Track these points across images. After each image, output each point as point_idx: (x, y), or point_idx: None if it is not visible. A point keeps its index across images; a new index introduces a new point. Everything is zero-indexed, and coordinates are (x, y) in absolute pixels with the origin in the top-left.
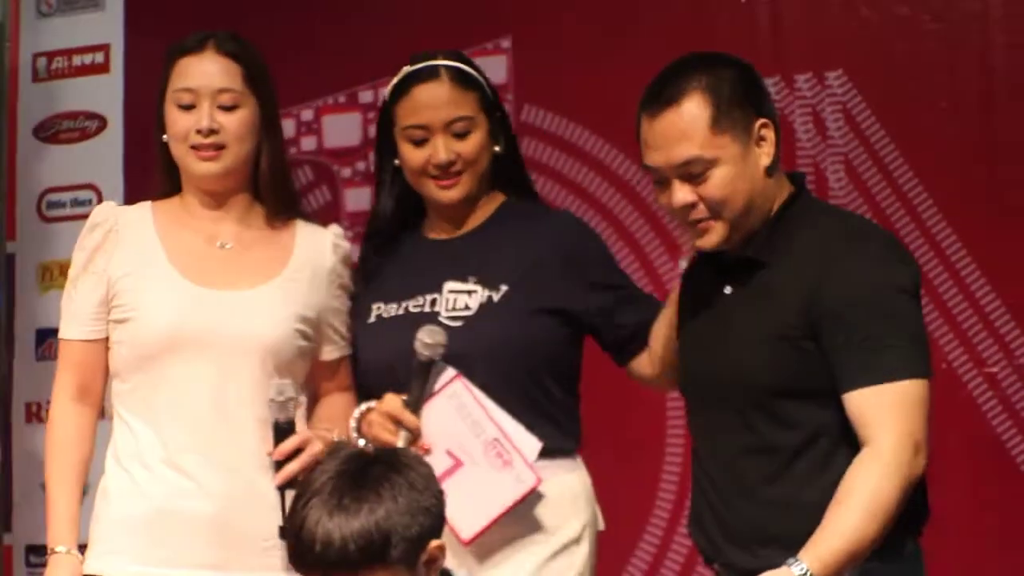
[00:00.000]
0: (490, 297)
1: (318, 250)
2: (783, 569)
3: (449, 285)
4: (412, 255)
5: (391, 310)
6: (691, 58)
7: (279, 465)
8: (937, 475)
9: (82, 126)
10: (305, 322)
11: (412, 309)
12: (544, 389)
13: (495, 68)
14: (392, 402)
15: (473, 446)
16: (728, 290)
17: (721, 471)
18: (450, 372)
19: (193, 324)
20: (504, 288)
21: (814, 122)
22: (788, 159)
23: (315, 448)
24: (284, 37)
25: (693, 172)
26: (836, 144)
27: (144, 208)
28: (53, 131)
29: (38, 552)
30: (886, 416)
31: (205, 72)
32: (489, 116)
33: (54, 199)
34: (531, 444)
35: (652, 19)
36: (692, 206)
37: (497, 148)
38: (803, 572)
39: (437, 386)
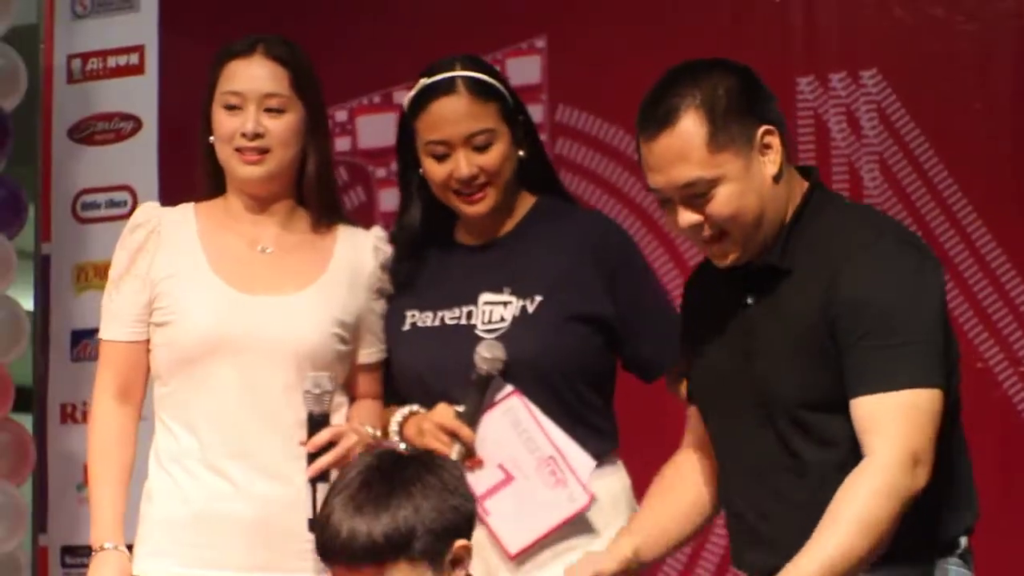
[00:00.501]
0: (524, 308)
1: (359, 253)
2: None
3: (484, 297)
4: (445, 262)
5: (426, 319)
6: (683, 71)
7: (312, 458)
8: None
9: (117, 127)
10: (343, 327)
11: (448, 321)
12: (581, 396)
13: (529, 68)
14: (446, 414)
15: (526, 462)
16: (750, 300)
17: (753, 487)
18: (507, 388)
19: (232, 329)
20: (538, 298)
21: (848, 121)
22: (823, 158)
23: (349, 441)
24: (318, 38)
25: (696, 193)
26: (871, 143)
27: (187, 210)
28: (88, 132)
29: (73, 553)
30: (888, 426)
31: (253, 76)
32: (511, 124)
33: (89, 200)
34: (586, 463)
35: (685, 18)
36: (700, 226)
37: (521, 153)
38: None
39: (493, 400)
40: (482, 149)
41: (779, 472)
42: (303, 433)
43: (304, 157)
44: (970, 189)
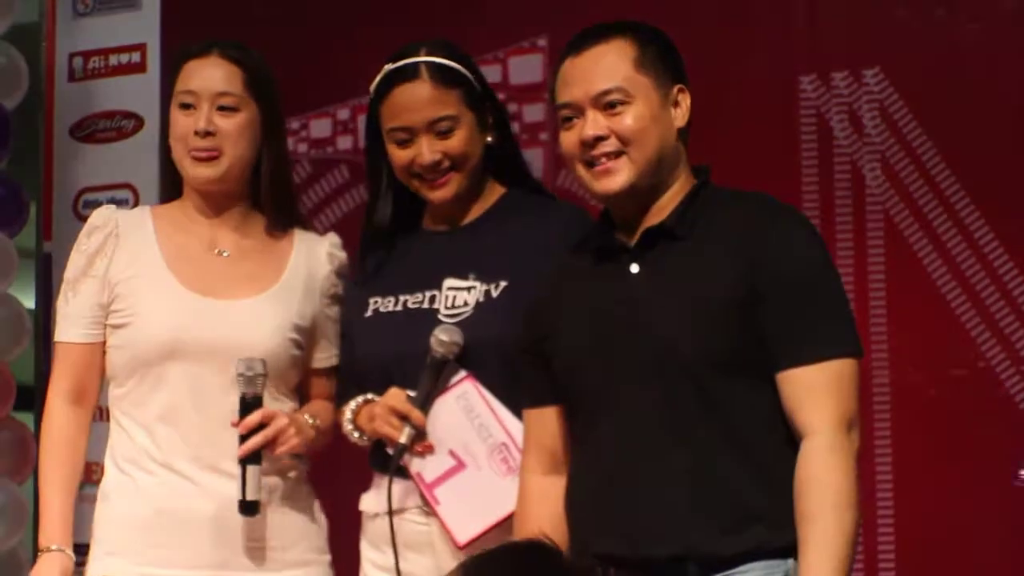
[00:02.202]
0: (488, 292)
1: (314, 259)
2: None
3: (449, 283)
4: (411, 248)
5: (388, 304)
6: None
7: (243, 439)
8: (975, 471)
9: (119, 125)
10: (299, 331)
11: (411, 305)
12: None
13: (531, 67)
14: (397, 397)
15: (478, 449)
16: (635, 268)
17: (630, 459)
18: (461, 372)
19: (190, 333)
20: (503, 284)
21: (851, 120)
22: (825, 156)
23: (280, 423)
24: (319, 37)
25: (611, 101)
26: (873, 142)
27: (144, 212)
28: (89, 131)
29: (75, 551)
30: (821, 399)
31: (207, 75)
32: (475, 110)
33: (91, 199)
34: None
35: (688, 18)
36: (603, 139)
37: (489, 139)
38: None
39: (446, 385)
40: (444, 135)
41: (663, 439)
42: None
43: (259, 159)
44: (972, 188)
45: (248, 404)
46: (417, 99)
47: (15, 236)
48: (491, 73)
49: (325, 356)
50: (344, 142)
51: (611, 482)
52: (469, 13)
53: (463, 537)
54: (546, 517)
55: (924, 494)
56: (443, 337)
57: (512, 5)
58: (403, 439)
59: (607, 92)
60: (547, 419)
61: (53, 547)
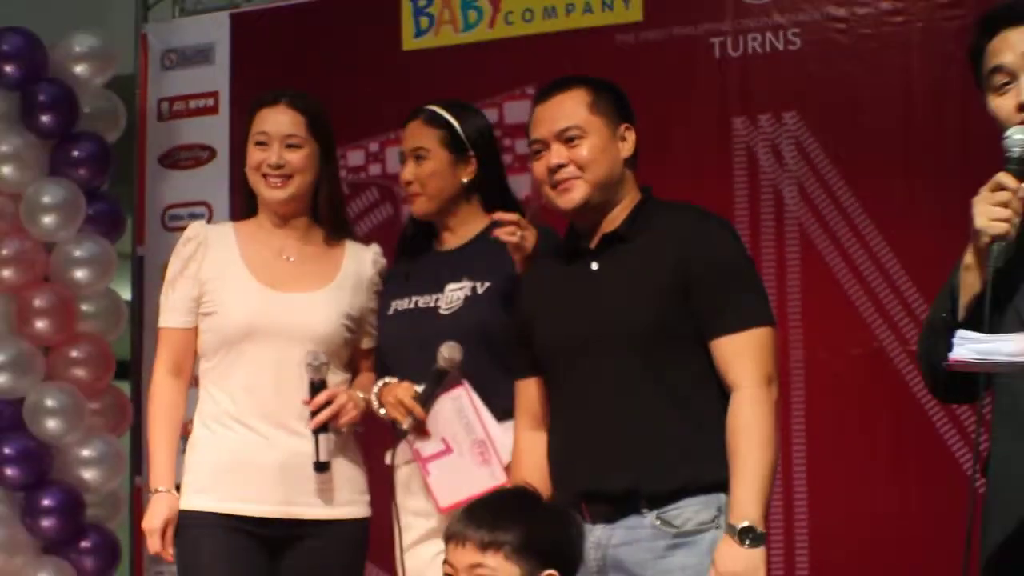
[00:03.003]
0: (475, 288)
1: (362, 264)
2: (733, 547)
3: (449, 286)
4: (426, 263)
5: (403, 304)
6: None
7: (313, 414)
8: (873, 429)
9: (196, 155)
10: (350, 319)
11: (421, 305)
12: None
13: (522, 109)
14: (407, 391)
15: (463, 441)
16: (595, 266)
17: (595, 415)
18: (460, 382)
19: (264, 318)
20: (487, 284)
21: (773, 152)
22: (753, 181)
23: (341, 400)
24: (356, 88)
25: (570, 136)
26: (790, 170)
27: (227, 226)
28: (174, 160)
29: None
30: (746, 359)
31: (277, 120)
32: (452, 151)
33: (174, 213)
34: (508, 451)
35: (644, 72)
36: (563, 167)
37: (464, 179)
38: (753, 535)
39: (446, 389)
40: (418, 160)
41: (617, 397)
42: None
43: (318, 185)
44: (868, 205)
45: (316, 387)
46: (411, 132)
47: (115, 242)
48: (490, 115)
49: (369, 339)
50: (374, 169)
51: (578, 433)
52: (474, 67)
53: (444, 503)
54: (534, 465)
55: (831, 448)
56: (446, 354)
57: (508, 62)
58: (405, 425)
59: (567, 129)
60: (531, 388)
61: (162, 488)
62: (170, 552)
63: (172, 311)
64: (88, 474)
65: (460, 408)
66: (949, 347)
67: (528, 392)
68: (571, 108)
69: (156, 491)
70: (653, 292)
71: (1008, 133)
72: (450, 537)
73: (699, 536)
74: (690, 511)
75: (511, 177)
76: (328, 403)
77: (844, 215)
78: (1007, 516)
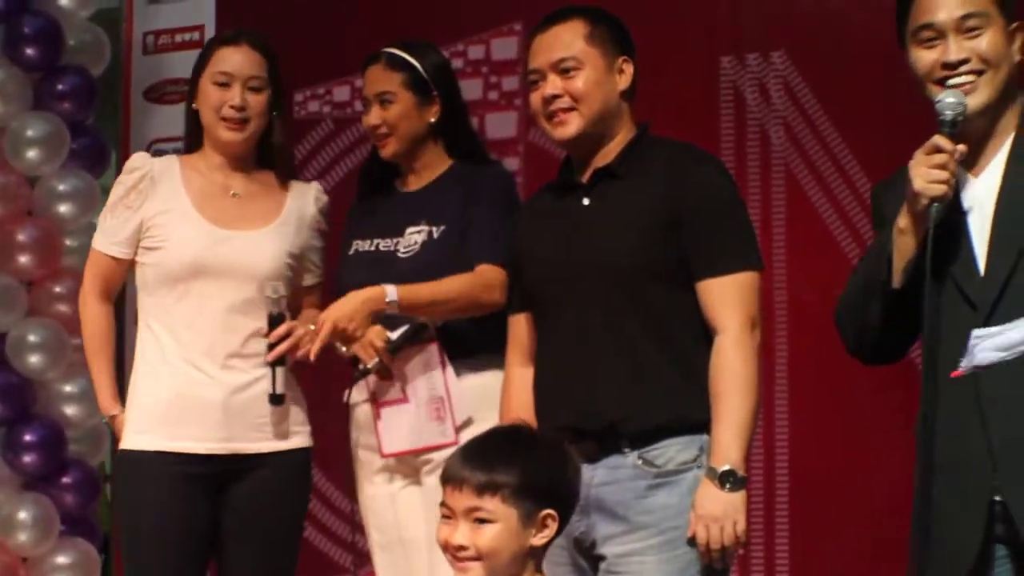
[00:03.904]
0: (431, 233)
1: (305, 202)
2: (713, 490)
3: (409, 229)
4: (386, 203)
5: (365, 245)
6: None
7: (271, 347)
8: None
9: (182, 90)
10: (292, 257)
11: (382, 248)
12: None
13: (508, 46)
14: (380, 335)
15: (422, 394)
16: (586, 201)
17: (584, 352)
18: (433, 337)
19: (209, 256)
20: (443, 227)
21: (760, 92)
22: (740, 121)
23: (298, 332)
24: (341, 21)
25: (566, 67)
26: (777, 110)
27: (172, 159)
28: (159, 94)
29: None
30: (730, 302)
31: (239, 61)
32: (416, 93)
33: (160, 148)
34: (464, 412)
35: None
36: (558, 97)
37: (432, 119)
38: (734, 478)
39: (421, 343)
40: (384, 105)
41: (602, 333)
42: (258, 338)
43: (271, 127)
44: (855, 146)
45: (275, 319)
46: (373, 77)
47: (99, 177)
48: (476, 51)
49: (311, 276)
50: (360, 105)
51: (563, 369)
52: (462, 3)
53: (387, 449)
54: (524, 401)
55: (814, 391)
56: None
57: (496, 1)
58: (370, 365)
59: (563, 60)
60: (521, 323)
61: (114, 412)
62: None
63: (107, 236)
64: (70, 410)
65: (427, 362)
66: (882, 313)
67: (519, 327)
68: (568, 39)
69: (112, 417)
70: (642, 230)
71: (940, 96)
72: (447, 480)
73: (680, 476)
74: (672, 451)
75: (500, 114)
76: (286, 336)
77: (831, 156)
78: (921, 475)
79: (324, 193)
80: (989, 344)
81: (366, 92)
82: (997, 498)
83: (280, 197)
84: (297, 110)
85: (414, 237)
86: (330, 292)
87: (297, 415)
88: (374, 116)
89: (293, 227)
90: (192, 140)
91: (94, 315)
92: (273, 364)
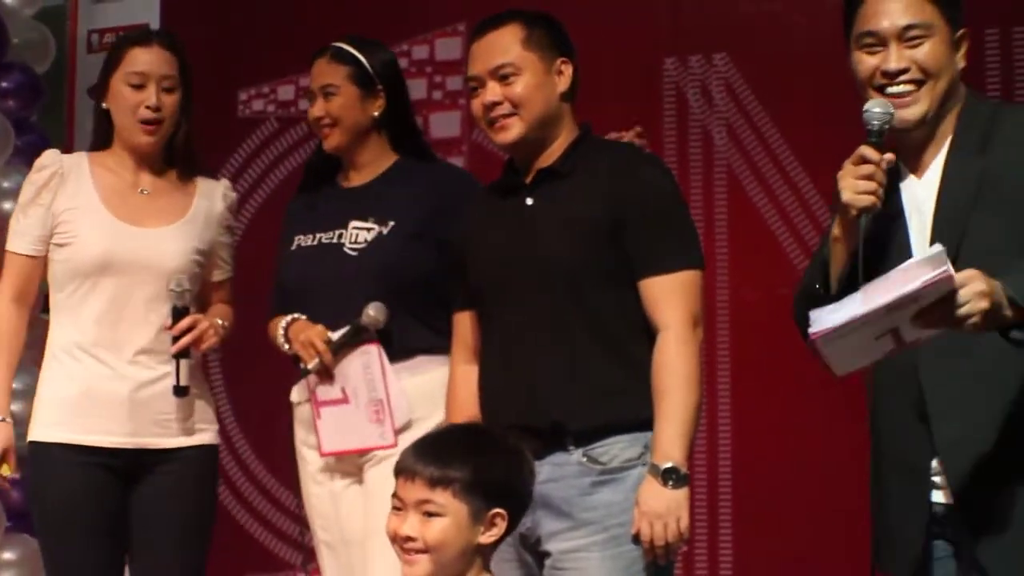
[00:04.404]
0: (380, 232)
1: (213, 200)
2: (655, 487)
3: (353, 223)
4: (328, 198)
5: (307, 240)
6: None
7: (175, 340)
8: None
9: None
10: (200, 253)
11: (324, 240)
12: (418, 297)
13: (453, 47)
14: (320, 335)
15: (362, 395)
16: (530, 201)
17: (528, 349)
18: (374, 340)
19: (118, 251)
20: (392, 223)
21: (703, 93)
22: (682, 122)
23: (202, 326)
24: (287, 23)
25: (504, 73)
26: (720, 111)
27: (82, 157)
28: None
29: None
30: (672, 301)
31: (153, 61)
32: (361, 86)
33: None
34: (403, 414)
35: (577, 11)
36: (499, 104)
37: (375, 113)
38: (676, 476)
39: (361, 344)
40: (328, 97)
41: (547, 333)
42: (164, 335)
43: (177, 128)
44: (795, 146)
45: (179, 312)
46: (318, 70)
47: None
48: (421, 51)
49: (220, 272)
50: (304, 104)
51: (508, 367)
52: (406, 4)
53: (326, 448)
54: (468, 398)
55: (756, 388)
56: (372, 312)
57: (440, 1)
58: (310, 366)
59: (501, 66)
60: (466, 321)
61: (2, 417)
62: (9, 474)
63: (21, 236)
64: (15, 406)
65: (368, 364)
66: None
67: (463, 325)
68: (505, 44)
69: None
70: (585, 229)
71: (867, 106)
72: (400, 472)
73: (625, 473)
74: (616, 448)
75: (444, 113)
76: (189, 329)
77: (772, 156)
78: (876, 466)
79: (232, 191)
80: (827, 320)
81: (312, 85)
82: (937, 499)
83: (188, 194)
84: (242, 109)
85: (360, 233)
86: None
87: (204, 412)
88: (317, 108)
89: (201, 223)
90: (100, 138)
91: (4, 314)
92: (177, 356)
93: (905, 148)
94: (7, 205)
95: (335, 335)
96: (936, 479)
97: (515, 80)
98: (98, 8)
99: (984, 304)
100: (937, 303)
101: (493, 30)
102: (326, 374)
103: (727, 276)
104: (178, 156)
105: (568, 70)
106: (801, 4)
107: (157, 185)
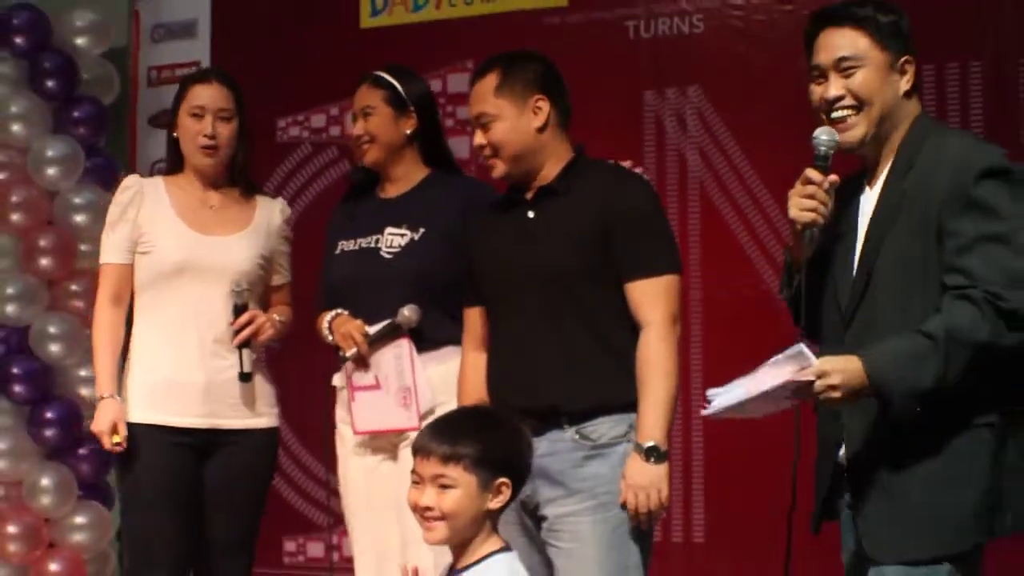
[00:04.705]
0: (412, 237)
1: (271, 214)
2: (639, 463)
3: (389, 230)
4: (368, 208)
5: (350, 245)
6: (509, 52)
7: (236, 332)
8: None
9: None
10: (263, 258)
11: (364, 245)
12: (446, 295)
13: (462, 81)
14: (359, 329)
15: (393, 382)
16: (531, 215)
17: (527, 342)
18: (406, 337)
19: (192, 257)
20: (423, 230)
21: (678, 122)
22: (660, 148)
23: (259, 321)
24: (320, 60)
25: (483, 121)
26: (693, 137)
27: (158, 180)
28: (162, 121)
29: None
30: (655, 301)
31: (211, 95)
32: (394, 108)
33: (161, 167)
34: (428, 401)
35: (566, 51)
36: (483, 147)
37: (408, 131)
38: (657, 453)
39: (394, 338)
40: (366, 116)
41: (544, 326)
42: (232, 328)
43: (236, 152)
44: (758, 166)
45: (239, 309)
46: (360, 95)
47: (110, 191)
48: (435, 84)
49: (279, 276)
50: (334, 130)
51: (511, 357)
52: (422, 43)
53: (360, 428)
54: (477, 382)
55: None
56: (407, 313)
57: (451, 39)
58: (348, 355)
59: (480, 115)
60: (475, 315)
61: (106, 395)
62: (117, 445)
63: (113, 249)
64: (85, 391)
65: (399, 356)
66: (793, 307)
67: (473, 319)
68: (482, 94)
69: (102, 398)
70: (579, 239)
71: (815, 134)
72: (417, 450)
73: (612, 448)
74: (604, 427)
75: (454, 138)
76: (249, 323)
77: (739, 176)
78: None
79: (288, 207)
80: (717, 403)
81: (354, 109)
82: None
83: (250, 209)
84: (280, 134)
85: (395, 239)
86: (294, 291)
87: (267, 398)
88: (358, 127)
89: (263, 233)
90: (173, 163)
91: (103, 318)
92: (240, 347)
93: (866, 165)
94: (79, 217)
95: (372, 329)
96: (842, 454)
97: (492, 126)
98: (156, 48)
99: (836, 394)
100: (804, 386)
101: (477, 79)
102: (362, 363)
103: (700, 279)
104: (239, 175)
105: (545, 106)
106: (763, 45)
107: (223, 201)
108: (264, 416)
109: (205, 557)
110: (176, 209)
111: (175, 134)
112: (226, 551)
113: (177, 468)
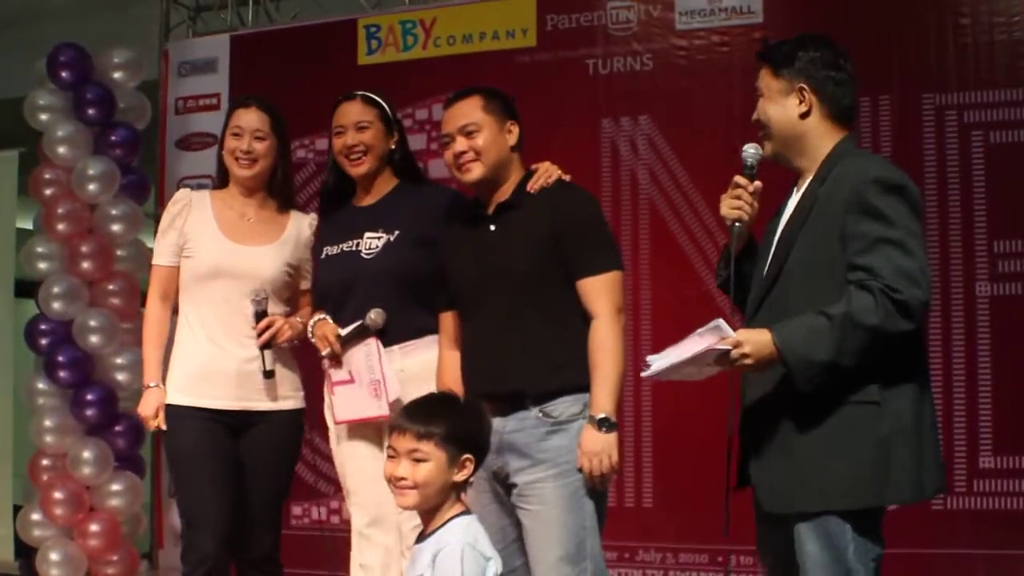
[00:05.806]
0: (388, 239)
1: (301, 227)
2: (592, 432)
3: (367, 234)
4: (347, 215)
5: (333, 250)
6: (482, 86)
7: (259, 335)
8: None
9: (203, 141)
10: (291, 267)
11: (346, 249)
12: (422, 290)
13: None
14: (332, 331)
15: (364, 376)
16: (492, 228)
17: (493, 337)
18: (373, 337)
19: (224, 263)
20: (397, 232)
21: (631, 146)
22: (615, 169)
23: (278, 324)
24: (322, 92)
25: (469, 131)
26: (644, 159)
27: (206, 193)
28: (187, 144)
29: None
30: (601, 295)
31: (248, 118)
32: (384, 124)
33: (186, 183)
34: (394, 392)
35: (535, 85)
36: (464, 152)
37: (392, 146)
38: (608, 423)
39: (364, 338)
40: (362, 130)
41: (507, 322)
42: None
43: (275, 168)
44: (700, 184)
45: (259, 314)
46: (353, 110)
47: (142, 204)
48: (422, 113)
49: (306, 282)
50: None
51: (480, 350)
52: (411, 78)
53: (340, 417)
54: (452, 376)
55: None
56: (373, 315)
57: (436, 75)
58: (324, 354)
59: (466, 125)
60: (448, 318)
61: (152, 384)
62: (160, 425)
63: (163, 253)
64: (121, 376)
65: (368, 354)
66: (735, 293)
67: (447, 321)
68: (469, 110)
69: (148, 386)
70: (534, 245)
71: (744, 148)
72: (394, 427)
73: (570, 424)
74: (563, 406)
75: (438, 160)
76: (268, 327)
77: (682, 192)
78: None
79: (316, 220)
80: (654, 367)
81: (343, 122)
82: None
83: (283, 222)
84: None
85: (373, 241)
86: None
87: (291, 383)
88: (351, 138)
89: (292, 244)
90: (220, 179)
91: (152, 314)
92: (262, 348)
93: (796, 175)
94: (116, 227)
95: (344, 331)
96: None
97: (477, 135)
98: (182, 81)
99: (748, 361)
100: (723, 354)
101: (461, 100)
102: (336, 360)
103: (649, 280)
104: (276, 191)
105: (516, 130)
106: (703, 80)
107: (260, 215)
108: (290, 399)
109: (239, 526)
110: (217, 220)
111: (223, 152)
112: (256, 521)
113: (215, 443)
